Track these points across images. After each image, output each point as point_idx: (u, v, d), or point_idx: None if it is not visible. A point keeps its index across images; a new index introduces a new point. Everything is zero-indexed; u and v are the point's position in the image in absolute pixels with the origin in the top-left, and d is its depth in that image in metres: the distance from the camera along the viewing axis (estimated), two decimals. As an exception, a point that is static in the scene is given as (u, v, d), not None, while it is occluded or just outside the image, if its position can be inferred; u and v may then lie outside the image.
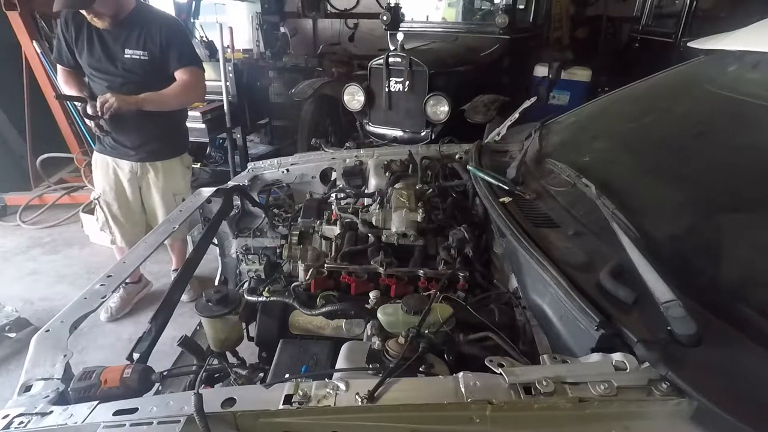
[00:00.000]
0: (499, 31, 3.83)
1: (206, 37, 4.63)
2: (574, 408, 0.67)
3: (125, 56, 2.09)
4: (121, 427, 0.68)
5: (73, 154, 3.93)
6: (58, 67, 2.26)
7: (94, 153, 2.39)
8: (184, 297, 2.29)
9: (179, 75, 2.19)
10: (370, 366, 0.91)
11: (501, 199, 1.25)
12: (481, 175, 1.40)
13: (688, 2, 4.03)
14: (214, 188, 1.61)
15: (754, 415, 0.61)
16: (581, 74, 3.93)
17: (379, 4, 5.98)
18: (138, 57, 2.10)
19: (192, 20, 4.82)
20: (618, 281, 0.84)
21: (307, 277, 1.24)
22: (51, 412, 0.74)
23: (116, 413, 0.71)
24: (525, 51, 4.18)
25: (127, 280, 2.53)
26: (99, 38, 2.09)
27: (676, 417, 0.67)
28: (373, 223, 1.34)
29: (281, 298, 1.18)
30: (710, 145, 1.20)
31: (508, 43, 3.90)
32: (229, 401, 0.71)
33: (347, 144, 3.16)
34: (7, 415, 0.73)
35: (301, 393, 0.71)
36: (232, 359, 1.18)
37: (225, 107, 3.73)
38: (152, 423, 0.68)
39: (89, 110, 2.02)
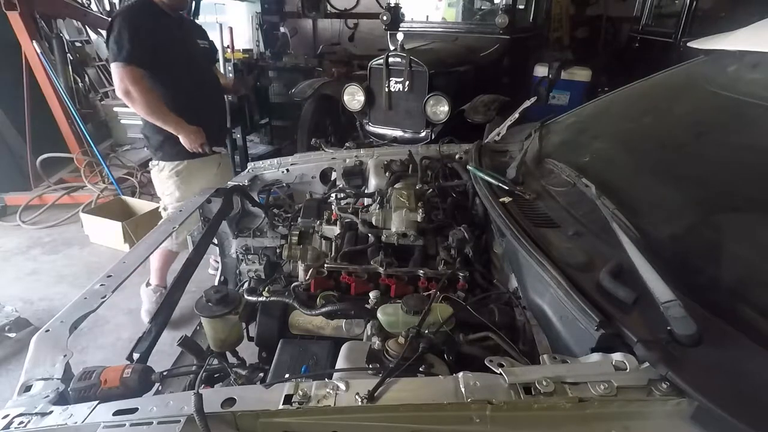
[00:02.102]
0: (499, 31, 3.84)
1: (206, 37, 4.62)
2: (574, 408, 0.67)
3: (200, 46, 2.24)
4: (121, 427, 0.68)
5: (73, 154, 3.93)
6: (134, 70, 1.89)
7: (172, 164, 2.16)
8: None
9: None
10: (370, 366, 0.91)
11: (501, 199, 1.25)
12: (481, 175, 1.40)
13: (688, 2, 4.03)
14: (214, 188, 1.61)
15: (754, 415, 0.61)
16: (581, 74, 3.93)
17: (379, 4, 5.98)
18: (205, 45, 2.28)
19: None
20: (618, 281, 0.84)
21: (307, 277, 1.24)
22: (51, 412, 0.73)
23: (116, 413, 0.71)
24: (525, 51, 4.18)
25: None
26: (178, 30, 2.12)
27: (676, 417, 0.67)
28: (373, 223, 1.34)
29: (281, 298, 1.17)
30: (710, 145, 1.20)
31: (508, 43, 3.90)
32: (229, 401, 0.71)
33: (347, 144, 3.14)
34: (7, 415, 0.73)
35: (301, 393, 0.71)
36: (232, 359, 1.18)
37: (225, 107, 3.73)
38: (152, 423, 0.68)
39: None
